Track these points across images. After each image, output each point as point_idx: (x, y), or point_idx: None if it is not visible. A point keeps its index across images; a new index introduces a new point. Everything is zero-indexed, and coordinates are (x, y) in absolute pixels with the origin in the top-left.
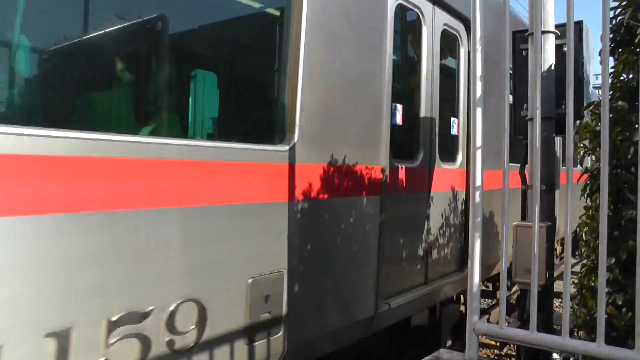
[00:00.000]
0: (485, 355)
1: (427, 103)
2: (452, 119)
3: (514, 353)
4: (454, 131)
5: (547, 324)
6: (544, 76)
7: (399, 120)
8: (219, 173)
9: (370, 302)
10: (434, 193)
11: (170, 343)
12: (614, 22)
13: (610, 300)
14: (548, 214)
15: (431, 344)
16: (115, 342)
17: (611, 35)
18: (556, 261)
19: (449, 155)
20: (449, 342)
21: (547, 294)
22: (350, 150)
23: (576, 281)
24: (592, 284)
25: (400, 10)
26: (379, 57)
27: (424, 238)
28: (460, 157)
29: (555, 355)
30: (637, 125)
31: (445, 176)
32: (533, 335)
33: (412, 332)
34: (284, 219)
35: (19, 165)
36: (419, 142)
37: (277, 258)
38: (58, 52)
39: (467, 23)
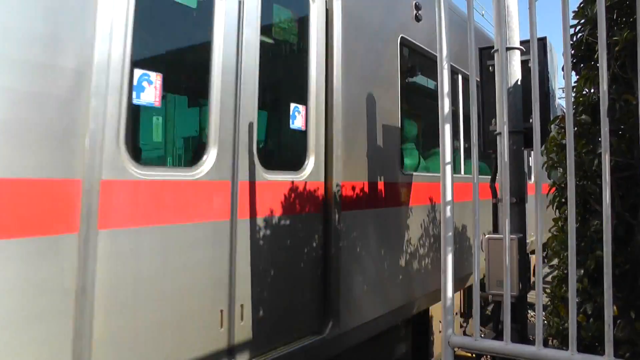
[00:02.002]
0: None
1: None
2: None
3: None
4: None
5: (522, 334)
6: (511, 91)
7: None
8: None
9: None
10: None
11: None
12: (574, 38)
13: (581, 310)
14: (519, 226)
15: None
16: None
17: (572, 52)
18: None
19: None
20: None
21: (521, 304)
22: None
23: (549, 291)
24: (564, 293)
25: None
26: None
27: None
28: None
29: None
30: (599, 138)
31: None
32: (508, 346)
33: None
34: None
35: None
36: None
37: None
38: None
39: None
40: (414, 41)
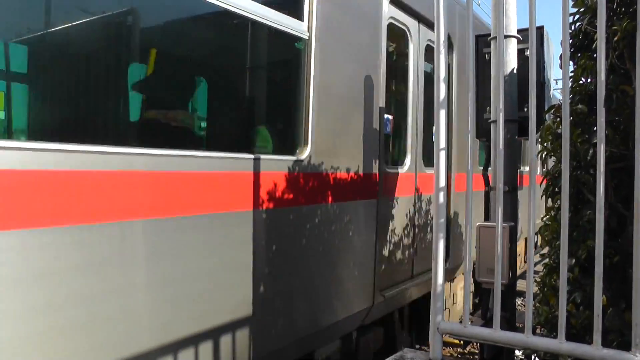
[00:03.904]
0: (449, 354)
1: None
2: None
3: (477, 351)
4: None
5: (510, 322)
6: (507, 79)
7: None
8: None
9: None
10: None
11: None
12: (573, 27)
13: (570, 299)
14: (511, 215)
15: None
16: None
17: (571, 41)
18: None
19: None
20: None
21: (510, 292)
22: None
23: (538, 280)
24: (554, 282)
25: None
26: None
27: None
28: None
29: (518, 353)
30: (595, 128)
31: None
32: (497, 334)
33: None
34: None
35: None
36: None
37: None
38: None
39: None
40: None
